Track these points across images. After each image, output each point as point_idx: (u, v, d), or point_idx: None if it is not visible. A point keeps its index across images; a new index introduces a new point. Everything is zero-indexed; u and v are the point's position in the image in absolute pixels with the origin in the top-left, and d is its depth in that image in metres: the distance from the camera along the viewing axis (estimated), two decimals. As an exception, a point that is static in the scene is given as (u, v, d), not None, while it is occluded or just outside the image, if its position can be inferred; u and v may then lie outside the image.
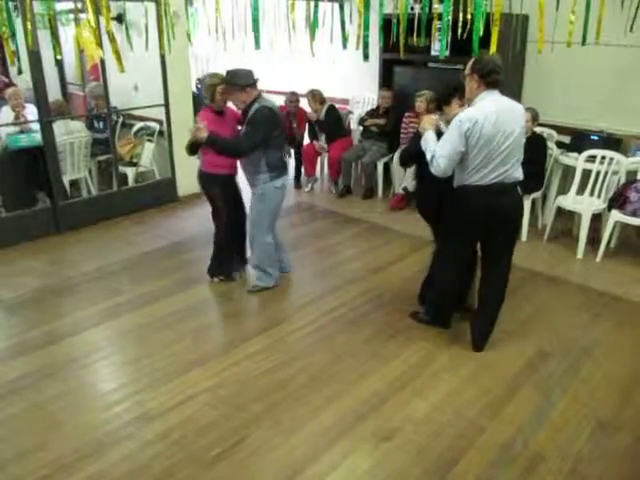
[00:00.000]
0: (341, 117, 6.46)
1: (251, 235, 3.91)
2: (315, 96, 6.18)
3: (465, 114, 2.86)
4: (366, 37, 3.58)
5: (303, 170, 6.53)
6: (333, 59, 6.46)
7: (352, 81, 7.16)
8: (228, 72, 3.58)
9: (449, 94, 3.20)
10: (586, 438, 2.62)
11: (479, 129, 2.81)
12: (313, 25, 3.61)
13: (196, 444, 2.59)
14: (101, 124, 5.93)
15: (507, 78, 5.47)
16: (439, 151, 2.92)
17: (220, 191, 3.90)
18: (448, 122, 3.10)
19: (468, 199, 3.01)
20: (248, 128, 3.54)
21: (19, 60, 4.07)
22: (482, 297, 3.25)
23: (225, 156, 3.64)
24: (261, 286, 4.03)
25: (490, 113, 2.83)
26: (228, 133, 3.67)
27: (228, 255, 4.11)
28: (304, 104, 6.49)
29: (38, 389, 2.99)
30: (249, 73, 3.58)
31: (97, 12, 3.19)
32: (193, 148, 3.67)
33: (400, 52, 3.93)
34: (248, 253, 4.20)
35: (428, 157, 2.98)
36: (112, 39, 3.11)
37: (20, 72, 4.38)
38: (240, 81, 3.51)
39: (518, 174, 3.00)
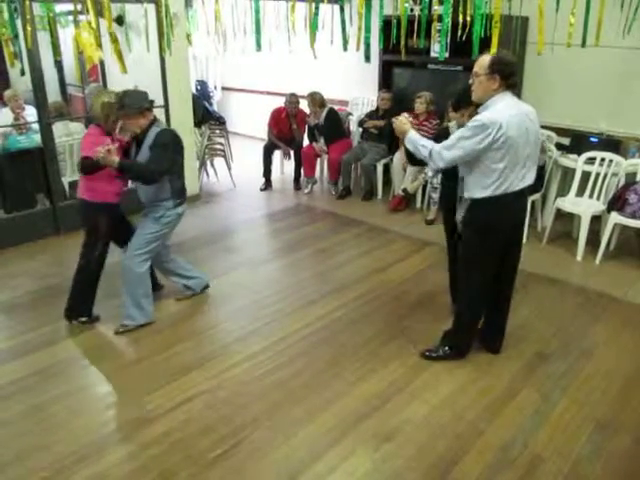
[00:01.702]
0: (341, 119, 6.46)
1: (127, 254, 3.47)
2: (315, 99, 6.18)
3: (487, 118, 2.68)
4: (367, 38, 3.58)
5: (302, 172, 6.54)
6: (333, 61, 6.47)
7: (352, 82, 7.17)
8: (122, 95, 3.26)
9: (458, 103, 3.21)
10: (585, 439, 2.62)
11: (503, 133, 2.66)
12: (313, 27, 3.61)
13: (195, 446, 2.59)
14: None
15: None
16: (443, 145, 2.79)
17: (107, 222, 3.50)
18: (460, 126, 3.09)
19: (498, 209, 2.85)
20: (157, 152, 3.23)
21: (22, 62, 4.07)
22: (496, 303, 3.20)
23: (136, 182, 3.38)
24: (132, 326, 3.54)
25: (512, 116, 2.70)
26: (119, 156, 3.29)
27: (93, 292, 3.64)
28: (304, 105, 6.51)
29: (37, 391, 2.98)
30: (145, 95, 3.32)
31: (98, 14, 3.19)
32: (90, 169, 3.28)
33: (399, 53, 3.94)
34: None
35: (425, 152, 2.85)
36: (114, 40, 3.11)
37: (23, 73, 4.37)
38: (140, 104, 3.24)
39: (533, 176, 2.93)
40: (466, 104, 3.11)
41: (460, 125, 3.18)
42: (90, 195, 3.44)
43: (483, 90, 2.79)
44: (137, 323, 3.54)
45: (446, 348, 3.23)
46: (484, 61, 2.75)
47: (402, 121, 3.04)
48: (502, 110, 2.72)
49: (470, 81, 2.84)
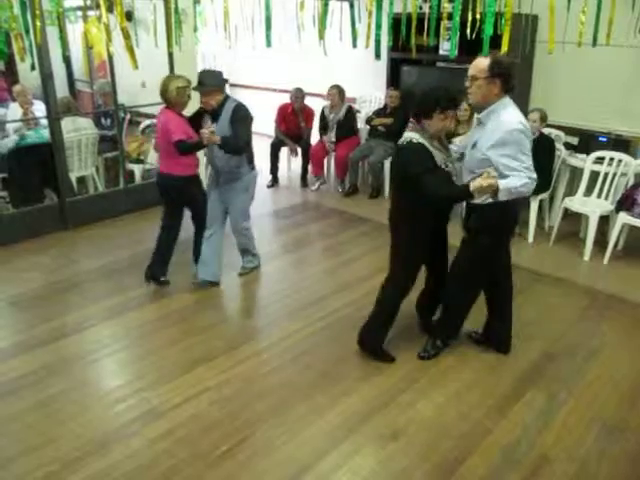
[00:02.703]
0: (356, 118, 6.47)
1: (236, 226, 4.03)
2: (341, 92, 6.21)
3: (518, 122, 2.66)
4: (378, 35, 3.56)
5: (310, 169, 6.52)
6: (341, 58, 6.45)
7: (359, 80, 7.15)
8: (204, 75, 3.66)
9: (430, 107, 2.76)
10: (592, 440, 2.61)
11: (530, 135, 2.72)
12: (322, 23, 3.60)
13: (201, 442, 2.60)
14: (108, 121, 5.94)
15: (515, 79, 5.45)
16: (526, 169, 2.65)
17: (198, 190, 3.95)
18: (433, 137, 2.83)
19: (510, 209, 2.84)
20: (240, 126, 3.63)
21: (32, 56, 4.08)
22: (500, 304, 3.20)
23: (229, 154, 3.68)
24: (251, 267, 4.27)
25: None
26: (193, 133, 3.67)
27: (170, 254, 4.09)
28: (309, 102, 6.50)
29: (44, 386, 3.00)
30: (221, 73, 3.74)
31: (108, 9, 3.19)
32: (191, 150, 3.67)
33: (408, 51, 3.92)
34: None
35: (525, 189, 2.66)
36: (126, 36, 3.10)
37: (33, 68, 4.39)
38: (219, 82, 3.66)
39: None
40: (453, 106, 2.80)
41: (433, 132, 2.83)
42: (180, 170, 3.78)
43: (483, 95, 2.71)
44: (254, 265, 4.29)
45: (438, 342, 3.23)
46: (482, 64, 2.66)
47: (489, 177, 2.61)
48: (517, 114, 2.68)
49: (467, 84, 2.75)
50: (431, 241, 3.05)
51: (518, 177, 2.64)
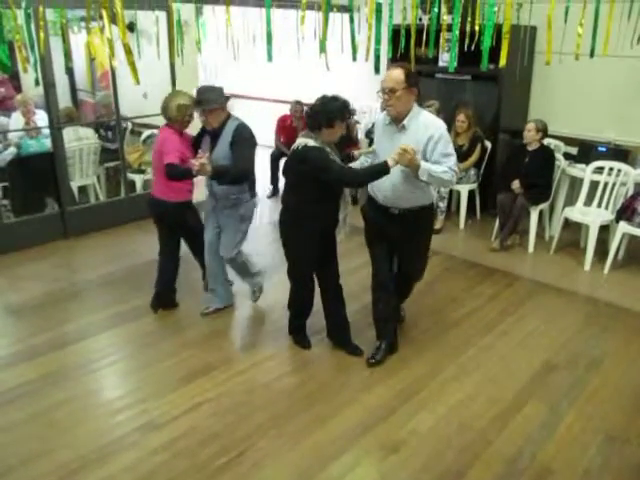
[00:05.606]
0: (354, 128, 6.50)
1: (226, 255, 3.65)
2: None
3: (441, 123, 2.93)
4: (377, 50, 3.58)
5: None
6: (340, 68, 6.48)
7: (359, 91, 7.18)
8: (204, 91, 3.35)
9: (335, 116, 2.95)
10: (594, 451, 2.59)
11: None
12: (323, 36, 3.62)
13: (200, 454, 2.58)
14: (109, 133, 5.95)
15: (515, 89, 5.48)
16: (454, 162, 2.90)
17: (194, 216, 3.74)
18: (324, 143, 2.96)
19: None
20: (242, 149, 3.31)
21: (36, 71, 4.07)
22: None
23: (226, 184, 3.36)
24: (259, 288, 3.99)
25: None
26: (191, 155, 3.36)
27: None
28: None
29: (43, 395, 2.99)
30: (222, 90, 3.41)
31: (111, 21, 3.20)
32: (180, 177, 3.36)
33: (407, 62, 3.94)
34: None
35: (448, 176, 2.87)
36: (128, 51, 3.10)
37: (37, 83, 4.36)
38: (221, 99, 3.35)
39: None
40: (350, 116, 3.13)
41: (329, 140, 3.01)
42: (175, 195, 3.55)
43: (404, 104, 2.86)
44: (260, 284, 3.97)
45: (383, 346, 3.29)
46: (399, 76, 2.82)
47: (411, 151, 2.74)
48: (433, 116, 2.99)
49: (385, 97, 2.86)
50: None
51: (445, 166, 2.87)
